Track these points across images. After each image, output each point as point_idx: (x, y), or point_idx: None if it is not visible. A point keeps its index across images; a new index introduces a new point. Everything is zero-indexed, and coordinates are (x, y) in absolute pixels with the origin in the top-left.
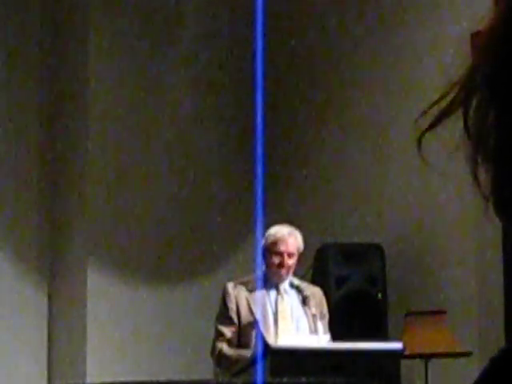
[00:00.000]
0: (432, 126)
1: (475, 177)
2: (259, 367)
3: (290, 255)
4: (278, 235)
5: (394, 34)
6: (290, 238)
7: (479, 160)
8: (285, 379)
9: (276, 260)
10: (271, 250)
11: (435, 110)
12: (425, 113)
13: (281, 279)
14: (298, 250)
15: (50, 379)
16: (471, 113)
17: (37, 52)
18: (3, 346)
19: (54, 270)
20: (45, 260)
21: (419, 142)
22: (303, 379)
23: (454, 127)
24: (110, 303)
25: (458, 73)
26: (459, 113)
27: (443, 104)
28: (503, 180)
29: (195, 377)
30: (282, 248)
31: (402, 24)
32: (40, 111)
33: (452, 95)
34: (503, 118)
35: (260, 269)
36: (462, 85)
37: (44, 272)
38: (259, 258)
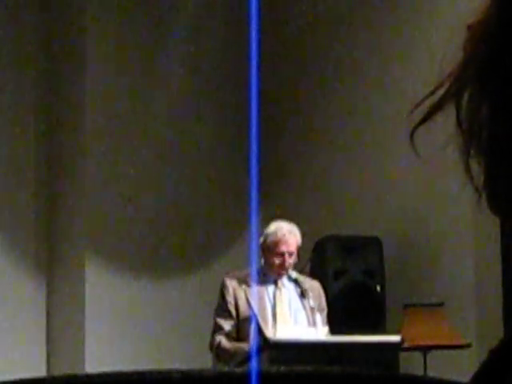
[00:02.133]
0: (425, 120)
1: (468, 170)
2: (256, 360)
3: (290, 254)
4: (279, 235)
5: (387, 27)
6: (290, 237)
7: (471, 153)
8: (282, 368)
9: (277, 260)
10: (272, 250)
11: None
12: (418, 106)
13: (280, 276)
14: (297, 247)
15: (49, 370)
16: (463, 106)
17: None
18: (3, 340)
19: (53, 264)
20: (43, 255)
21: (412, 135)
22: (300, 368)
23: (449, 120)
24: (107, 297)
25: (450, 66)
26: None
27: (436, 97)
28: (496, 173)
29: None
30: (283, 248)
31: (396, 17)
32: (37, 103)
33: (444, 88)
34: (496, 111)
35: (257, 262)
36: (455, 78)
37: (42, 266)
38: (255, 252)
